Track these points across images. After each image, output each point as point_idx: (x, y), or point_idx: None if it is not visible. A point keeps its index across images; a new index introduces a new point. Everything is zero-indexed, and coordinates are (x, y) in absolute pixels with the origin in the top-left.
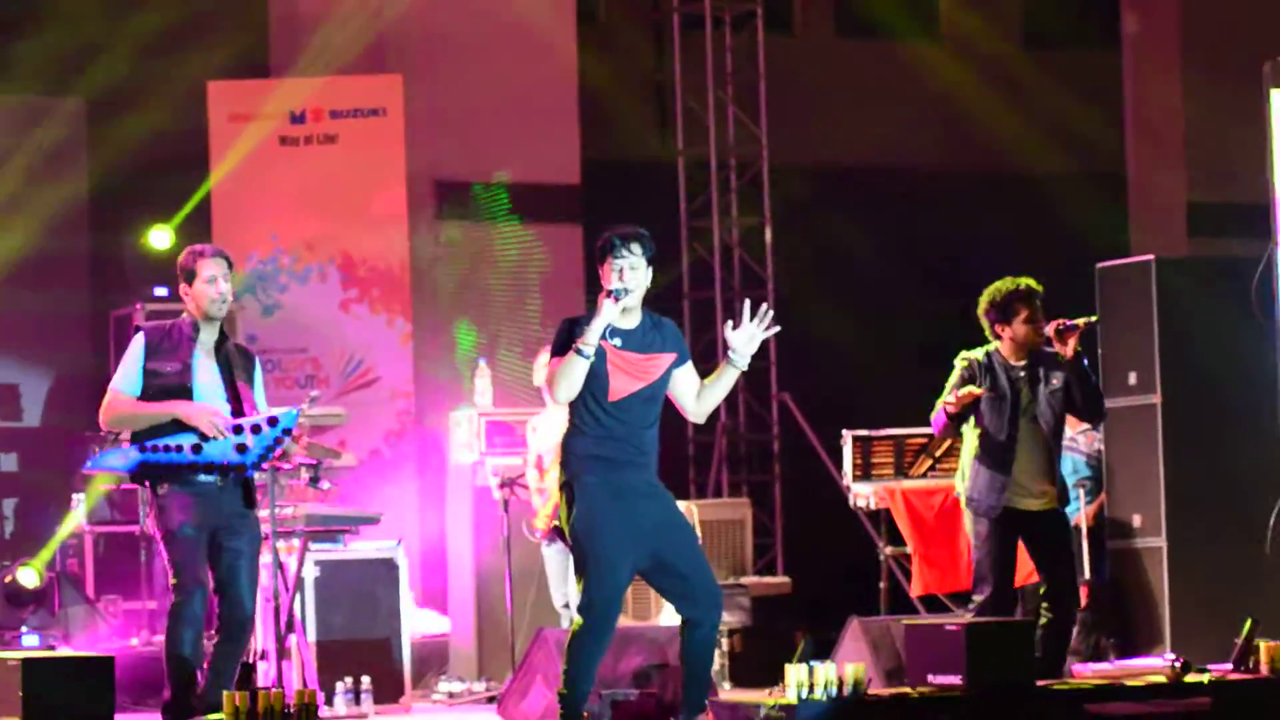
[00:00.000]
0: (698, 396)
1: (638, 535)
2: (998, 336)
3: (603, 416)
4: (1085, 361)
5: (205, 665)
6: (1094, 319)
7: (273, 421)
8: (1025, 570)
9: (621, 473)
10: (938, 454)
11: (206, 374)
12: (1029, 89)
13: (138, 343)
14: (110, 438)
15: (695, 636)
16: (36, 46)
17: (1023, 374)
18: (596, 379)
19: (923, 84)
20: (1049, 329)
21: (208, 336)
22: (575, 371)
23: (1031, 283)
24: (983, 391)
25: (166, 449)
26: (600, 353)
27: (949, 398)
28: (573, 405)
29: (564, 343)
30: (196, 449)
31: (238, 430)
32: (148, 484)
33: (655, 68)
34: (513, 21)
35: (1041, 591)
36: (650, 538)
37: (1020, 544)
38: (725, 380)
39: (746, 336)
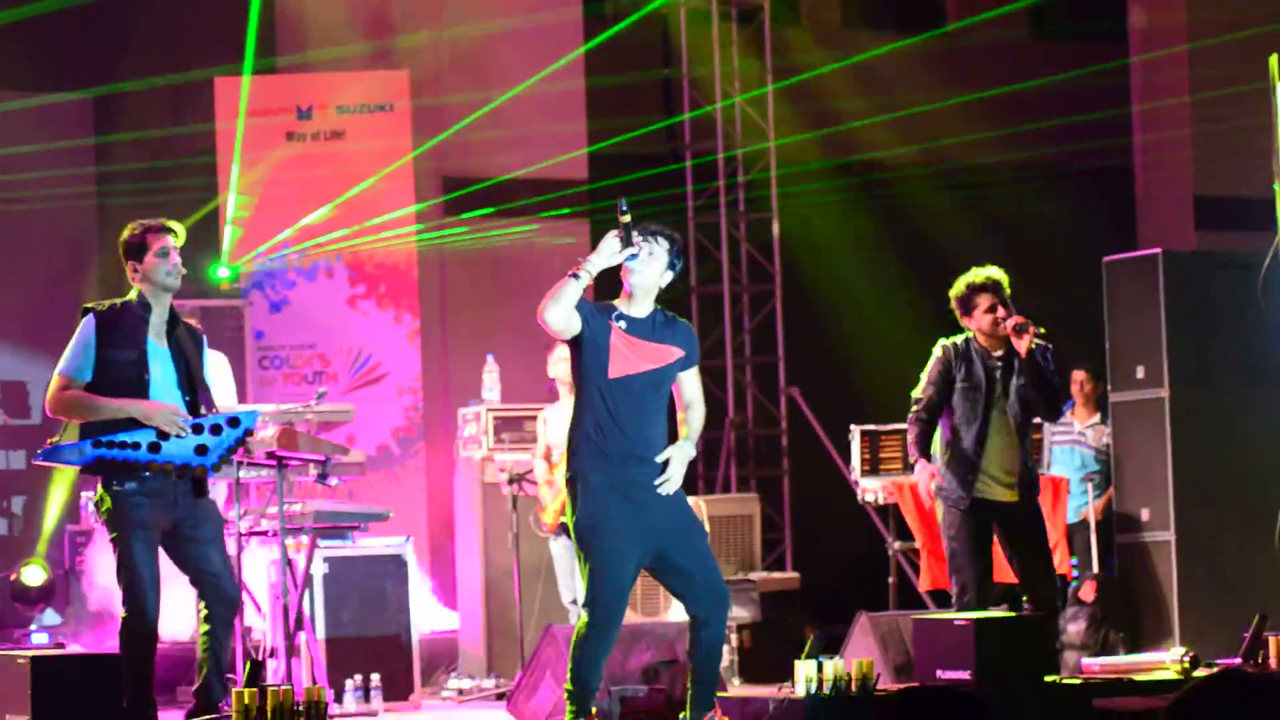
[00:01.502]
0: (685, 406)
1: (642, 532)
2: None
3: (602, 394)
4: (1046, 359)
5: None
6: (1043, 331)
7: (234, 422)
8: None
9: (626, 469)
10: None
11: (161, 365)
12: (1036, 82)
13: (88, 326)
14: (61, 428)
15: (702, 635)
16: (43, 44)
17: (999, 364)
18: (598, 354)
19: (930, 77)
20: (1009, 324)
21: (158, 318)
22: (566, 293)
23: (992, 274)
24: (927, 402)
25: (123, 445)
26: (606, 330)
27: (923, 491)
28: (578, 381)
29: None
30: (154, 448)
31: (198, 430)
32: (101, 479)
33: (662, 61)
34: (519, 16)
35: (1021, 585)
36: (655, 535)
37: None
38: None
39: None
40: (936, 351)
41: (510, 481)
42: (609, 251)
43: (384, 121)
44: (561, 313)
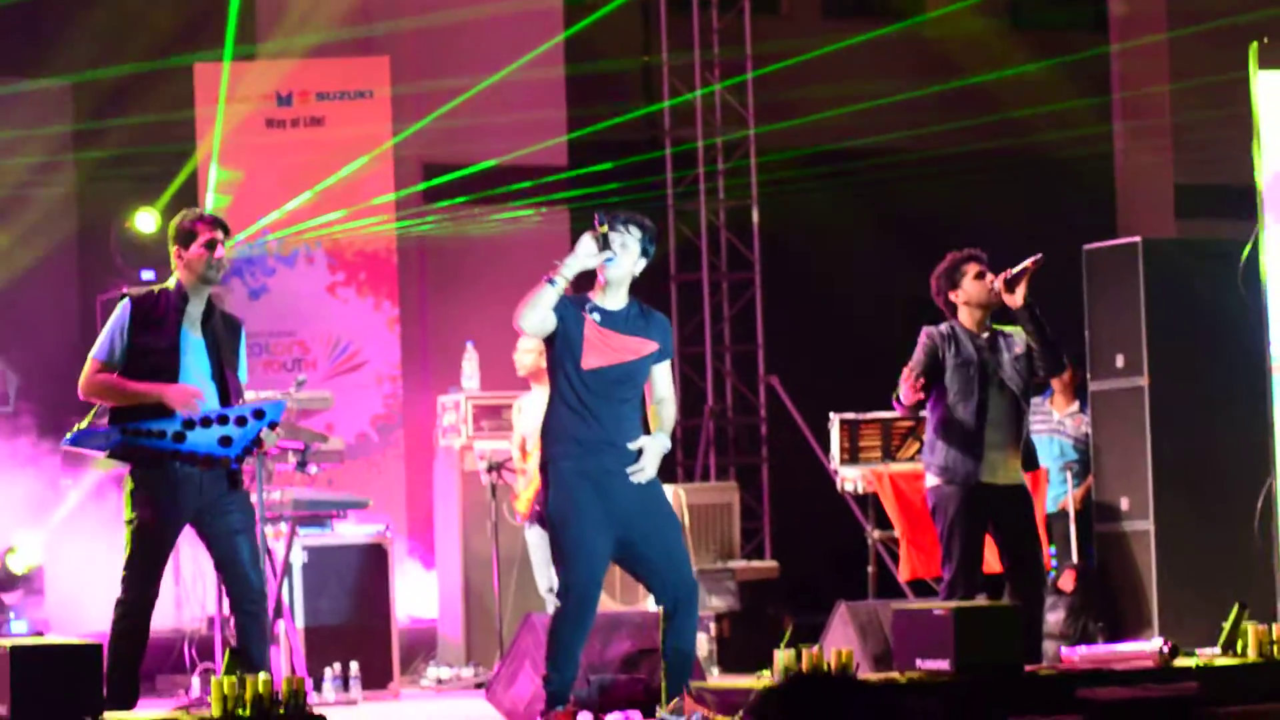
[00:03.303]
0: (657, 402)
1: (612, 520)
2: (952, 308)
3: (575, 384)
4: (1037, 311)
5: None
6: (1039, 256)
7: (259, 414)
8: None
9: (599, 457)
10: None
11: (194, 354)
12: (1017, 70)
13: (123, 312)
14: (95, 412)
15: (669, 626)
16: (21, 30)
17: (985, 344)
18: (572, 346)
19: (910, 65)
20: (997, 282)
21: (195, 308)
22: (541, 299)
23: (974, 250)
24: (918, 377)
25: (149, 434)
26: (579, 321)
27: (900, 391)
28: (551, 372)
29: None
30: (179, 437)
31: (223, 421)
32: (129, 466)
33: (642, 49)
34: (500, 2)
35: (1006, 573)
36: (623, 523)
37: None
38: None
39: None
40: (921, 338)
41: (489, 469)
42: (585, 254)
43: (364, 108)
44: (538, 318)
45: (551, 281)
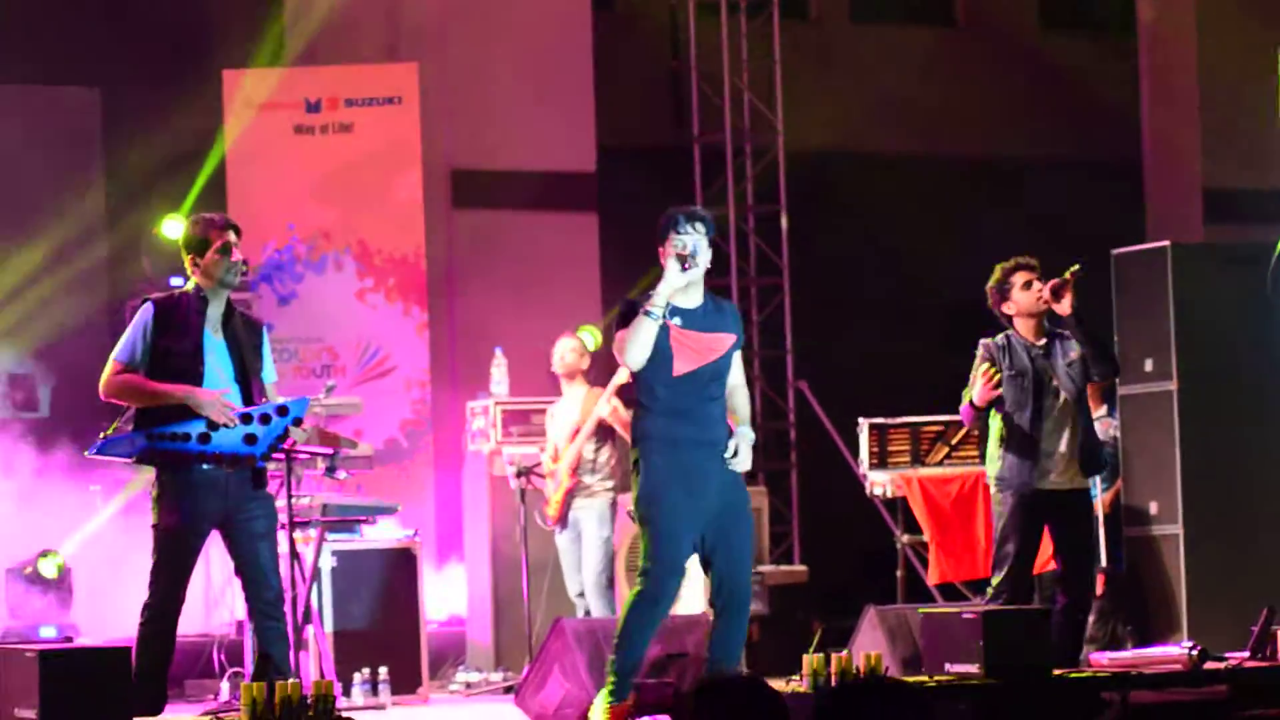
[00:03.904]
0: (730, 392)
1: (696, 515)
2: (1009, 319)
3: (664, 392)
4: (1084, 318)
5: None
6: (1076, 267)
7: (283, 411)
8: (1043, 557)
9: (691, 454)
10: (954, 441)
11: (217, 356)
12: (1045, 75)
13: (146, 314)
14: (121, 419)
15: (716, 627)
16: (51, 36)
17: (1041, 351)
18: (659, 356)
19: (938, 70)
20: (1045, 291)
21: (215, 310)
22: (644, 333)
23: (1022, 259)
24: (998, 373)
25: (174, 437)
26: (663, 330)
27: (974, 392)
28: (637, 384)
29: (628, 315)
30: (204, 438)
31: (247, 419)
32: (155, 470)
33: (671, 54)
34: (528, 9)
35: (1058, 576)
36: (705, 520)
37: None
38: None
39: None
40: (978, 350)
41: (518, 475)
42: (674, 274)
43: (393, 114)
44: (644, 353)
45: (649, 314)
